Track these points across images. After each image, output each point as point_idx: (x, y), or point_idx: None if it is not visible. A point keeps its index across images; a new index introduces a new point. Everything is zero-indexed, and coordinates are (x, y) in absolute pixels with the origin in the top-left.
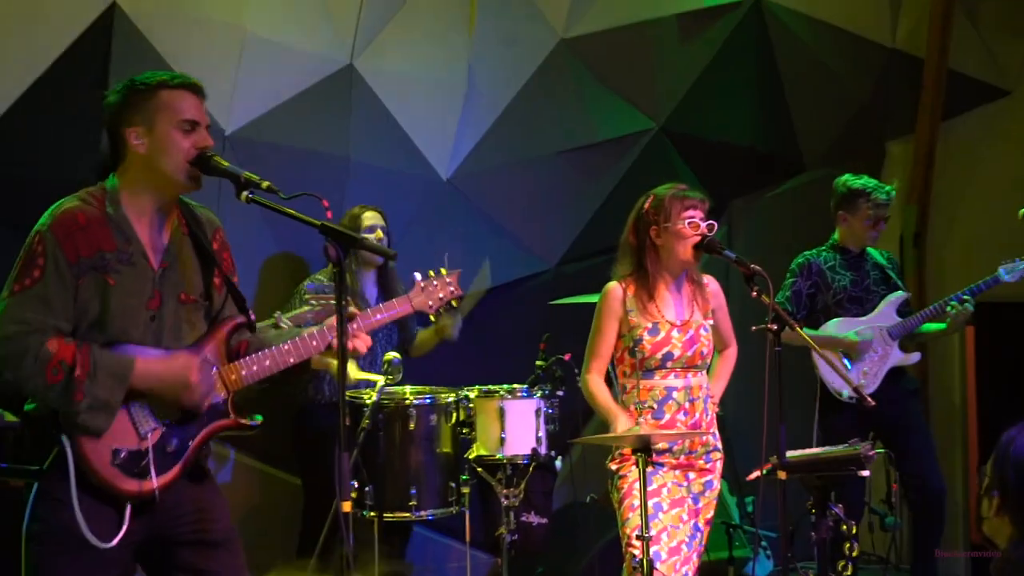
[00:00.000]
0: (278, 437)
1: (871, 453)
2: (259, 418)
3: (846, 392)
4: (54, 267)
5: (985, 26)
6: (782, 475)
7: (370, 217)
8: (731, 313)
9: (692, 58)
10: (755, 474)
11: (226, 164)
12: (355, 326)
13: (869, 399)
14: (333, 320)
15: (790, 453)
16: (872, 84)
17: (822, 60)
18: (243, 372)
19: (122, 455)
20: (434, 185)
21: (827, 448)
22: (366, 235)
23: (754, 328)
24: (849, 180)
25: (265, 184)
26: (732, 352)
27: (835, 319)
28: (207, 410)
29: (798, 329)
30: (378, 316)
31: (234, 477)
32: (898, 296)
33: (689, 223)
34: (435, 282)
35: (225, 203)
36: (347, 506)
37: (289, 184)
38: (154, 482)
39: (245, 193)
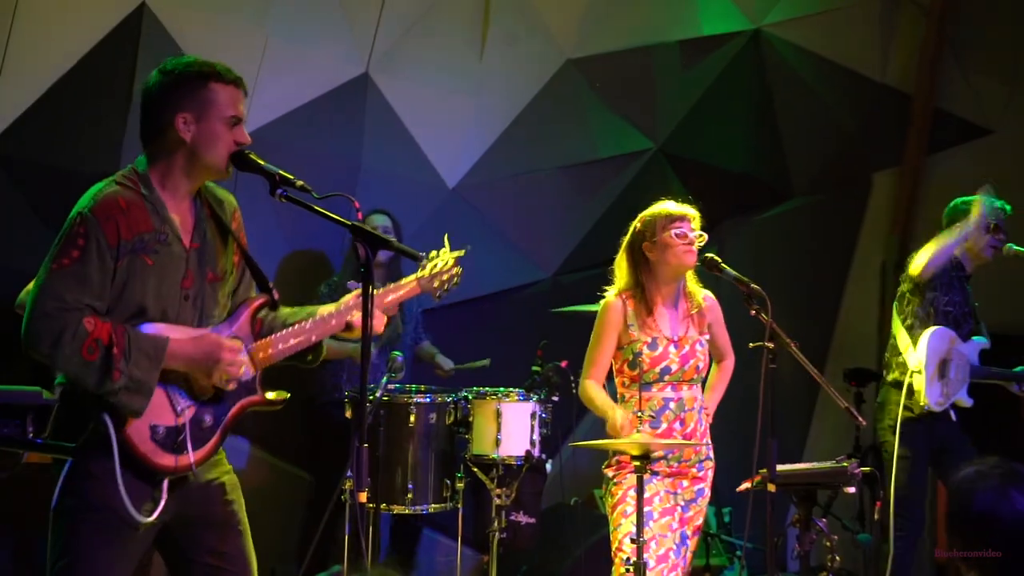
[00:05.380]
0: (291, 432)
1: (857, 471)
2: (286, 394)
3: (934, 405)
4: (95, 248)
5: (971, 69)
6: (772, 488)
7: (375, 219)
8: (729, 328)
9: (692, 83)
10: (745, 485)
11: (263, 162)
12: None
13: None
14: (348, 299)
15: (780, 467)
16: (861, 117)
17: (815, 92)
18: (271, 350)
19: (160, 431)
20: (440, 193)
21: (815, 464)
22: None
23: (751, 345)
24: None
25: (299, 183)
26: (729, 364)
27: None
28: (237, 387)
29: (794, 349)
30: (389, 297)
31: (247, 470)
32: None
33: (676, 233)
34: (439, 265)
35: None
36: (363, 496)
37: None
38: (191, 457)
39: (279, 191)
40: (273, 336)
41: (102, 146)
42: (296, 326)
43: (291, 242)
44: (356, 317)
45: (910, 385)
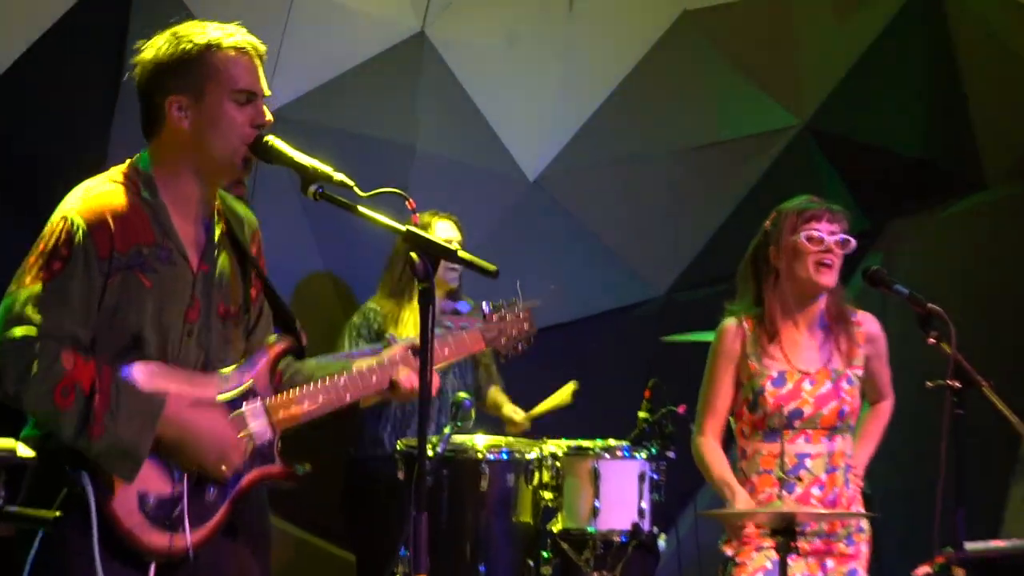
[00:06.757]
0: (328, 501)
1: None
2: (308, 466)
3: None
4: (82, 260)
5: None
6: (959, 572)
7: (440, 227)
8: (902, 360)
9: (848, 41)
10: (923, 569)
11: (291, 153)
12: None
13: None
14: (393, 352)
15: (969, 545)
16: None
17: (1014, 51)
18: (294, 409)
19: (151, 501)
20: (518, 186)
21: (1016, 541)
22: None
23: (930, 384)
24: None
25: (337, 178)
26: (887, 407)
27: None
28: (251, 454)
29: (987, 390)
30: (446, 351)
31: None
32: None
33: (807, 236)
34: (508, 316)
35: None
36: None
37: None
38: (188, 538)
39: (313, 188)
40: (298, 392)
41: (84, 128)
42: (327, 381)
43: (322, 255)
44: (403, 375)
45: None
